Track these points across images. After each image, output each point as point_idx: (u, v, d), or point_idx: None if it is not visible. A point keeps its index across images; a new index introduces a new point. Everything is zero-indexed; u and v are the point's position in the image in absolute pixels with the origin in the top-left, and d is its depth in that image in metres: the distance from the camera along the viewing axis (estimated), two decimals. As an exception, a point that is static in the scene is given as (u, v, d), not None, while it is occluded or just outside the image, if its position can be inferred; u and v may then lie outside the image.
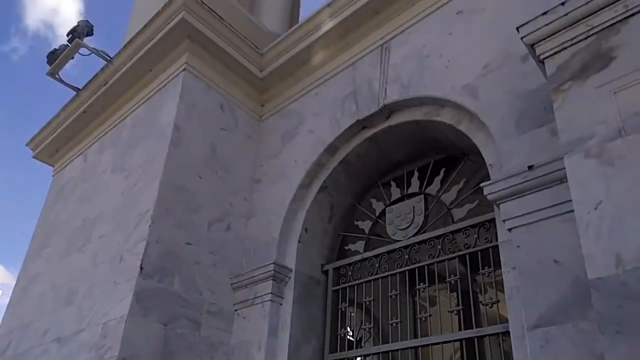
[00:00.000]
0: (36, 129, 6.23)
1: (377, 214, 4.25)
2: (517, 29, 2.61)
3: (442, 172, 3.90)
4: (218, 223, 4.38)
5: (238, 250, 4.43)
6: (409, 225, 3.86)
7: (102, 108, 5.46)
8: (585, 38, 2.34)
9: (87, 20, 5.34)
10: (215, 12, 4.77)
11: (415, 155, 4.16)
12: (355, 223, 4.41)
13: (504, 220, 2.80)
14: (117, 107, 5.35)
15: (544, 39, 2.51)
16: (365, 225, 4.31)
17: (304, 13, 6.78)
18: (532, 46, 2.57)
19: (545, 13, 2.49)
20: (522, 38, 2.59)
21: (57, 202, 5.72)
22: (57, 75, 5.47)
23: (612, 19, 2.23)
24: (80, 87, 5.55)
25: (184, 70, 4.66)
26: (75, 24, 5.36)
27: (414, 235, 3.79)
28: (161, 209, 3.97)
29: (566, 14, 2.40)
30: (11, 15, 29.96)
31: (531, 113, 2.96)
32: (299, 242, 4.23)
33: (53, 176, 6.22)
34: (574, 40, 2.38)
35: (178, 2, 4.58)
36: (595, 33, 2.29)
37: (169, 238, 3.94)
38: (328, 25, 4.50)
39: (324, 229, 4.45)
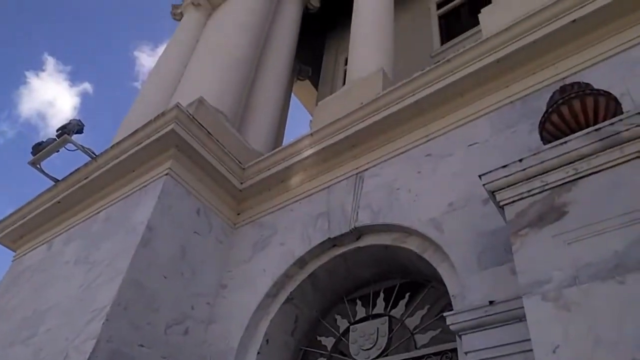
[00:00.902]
0: (5, 213, 6.07)
1: (341, 331, 4.20)
2: (480, 176, 2.86)
3: (407, 296, 3.97)
4: (176, 326, 4.18)
5: (193, 357, 4.19)
6: (372, 347, 3.81)
7: (78, 201, 5.39)
8: (541, 192, 2.58)
9: (79, 120, 5.50)
10: (203, 127, 4.99)
11: (382, 276, 4.23)
12: (318, 339, 4.31)
13: (465, 353, 2.83)
14: (93, 201, 5.30)
15: (504, 188, 2.75)
16: (328, 342, 4.21)
17: (288, 136, 7.17)
18: (492, 193, 2.80)
19: (505, 166, 2.76)
20: (484, 185, 2.83)
21: (10, 289, 5.38)
22: (38, 165, 5.46)
23: (564, 178, 2.50)
24: (60, 179, 5.52)
25: (166, 174, 4.74)
26: (67, 121, 5.49)
27: (377, 357, 3.73)
28: (119, 307, 3.79)
29: (523, 170, 2.67)
30: (7, 101, 30.12)
31: (492, 251, 3.13)
32: (258, 353, 4.07)
33: (13, 261, 5.91)
34: (531, 193, 2.62)
35: (170, 114, 4.78)
36: (550, 188, 2.55)
37: (122, 338, 3.71)
38: (308, 151, 4.79)
39: (285, 341, 4.31)
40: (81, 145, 5.37)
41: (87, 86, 31.93)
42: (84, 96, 31.64)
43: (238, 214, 5.28)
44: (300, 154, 4.86)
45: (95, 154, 5.33)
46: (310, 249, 4.31)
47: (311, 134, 4.82)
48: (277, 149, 5.18)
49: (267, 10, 8.02)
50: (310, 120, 5.71)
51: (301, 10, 9.04)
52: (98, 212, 5.15)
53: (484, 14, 4.83)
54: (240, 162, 5.22)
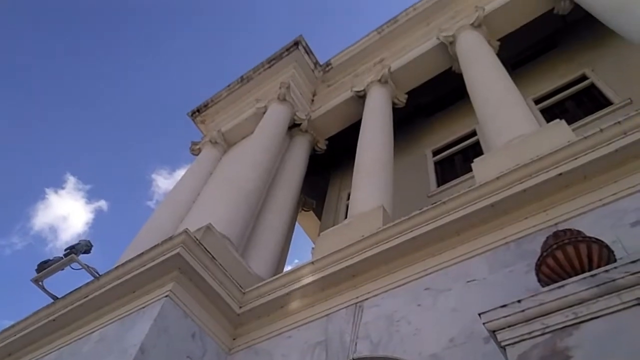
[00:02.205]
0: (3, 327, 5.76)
1: None
2: (480, 314, 2.77)
3: None
4: None
5: None
6: None
7: (74, 319, 5.17)
8: (542, 334, 2.48)
9: (88, 240, 5.56)
10: (208, 251, 4.99)
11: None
12: None
13: None
14: (89, 320, 5.07)
15: (504, 328, 2.64)
16: None
17: (290, 261, 7.14)
18: (493, 332, 2.68)
19: (504, 306, 2.69)
20: (484, 323, 2.73)
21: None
22: (40, 283, 5.35)
23: (564, 322, 2.41)
24: (59, 296, 5.36)
25: (166, 296, 4.62)
26: (77, 241, 5.54)
27: None
28: None
29: (522, 311, 2.59)
30: (21, 214, 30.54)
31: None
32: None
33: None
34: (532, 335, 2.51)
35: (178, 239, 4.81)
36: (551, 332, 2.45)
37: None
38: (309, 279, 4.72)
39: None
40: (86, 265, 5.33)
41: (102, 203, 32.58)
42: (98, 213, 32.10)
43: (234, 339, 5.01)
44: (300, 281, 4.78)
45: (98, 274, 5.25)
46: (306, 381, 4.00)
47: (312, 262, 4.79)
48: (278, 275, 5.10)
49: (279, 150, 8.54)
50: (312, 248, 5.71)
51: (309, 151, 9.62)
52: (92, 332, 4.91)
53: (477, 163, 5.11)
54: (240, 287, 5.10)
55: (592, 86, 7.54)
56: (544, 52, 9.11)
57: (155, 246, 4.96)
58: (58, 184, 35.59)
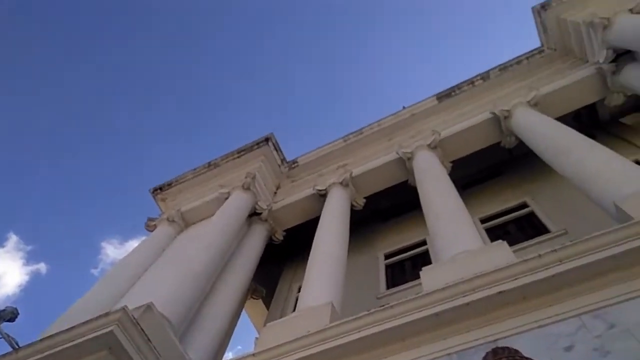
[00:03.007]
0: None
1: None
2: None
3: None
4: None
5: None
6: None
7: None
8: None
9: (15, 308, 5.16)
10: (144, 332, 4.64)
11: None
12: None
13: None
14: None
15: None
16: None
17: (232, 347, 6.70)
18: None
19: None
20: None
21: None
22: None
23: None
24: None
25: (88, 379, 4.17)
26: (3, 308, 5.10)
27: None
28: None
29: None
30: None
31: None
32: None
33: None
34: None
35: (114, 315, 4.49)
36: None
37: None
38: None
39: None
40: (6, 334, 4.85)
41: (41, 266, 30.18)
42: (35, 276, 29.58)
43: None
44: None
45: (18, 346, 4.74)
46: None
47: (253, 354, 4.53)
48: (215, 367, 4.74)
49: (236, 235, 8.43)
50: (256, 339, 5.41)
51: (266, 240, 9.54)
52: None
53: (425, 271, 5.19)
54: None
55: (532, 214, 8.06)
56: (491, 178, 9.82)
57: (88, 321, 4.58)
58: (-2, 242, 33.09)
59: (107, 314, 4.56)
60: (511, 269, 4.15)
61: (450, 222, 6.19)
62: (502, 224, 8.20)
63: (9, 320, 5.05)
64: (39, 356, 4.48)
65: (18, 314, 5.22)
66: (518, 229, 7.94)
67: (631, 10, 7.81)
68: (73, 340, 4.47)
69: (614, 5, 8.11)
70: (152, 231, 10.04)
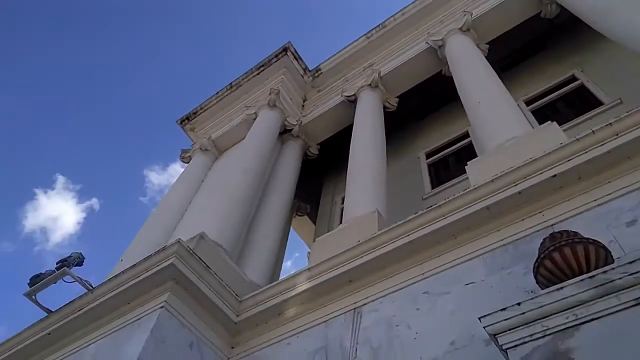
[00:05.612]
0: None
1: None
2: (479, 318, 2.79)
3: None
4: None
5: None
6: None
7: (69, 333, 5.10)
8: (543, 337, 2.50)
9: (80, 253, 5.52)
10: (202, 261, 4.96)
11: None
12: None
13: None
14: (84, 333, 5.01)
15: (505, 331, 2.67)
16: None
17: (286, 266, 7.14)
18: (494, 335, 2.71)
19: (504, 309, 2.72)
20: (484, 327, 2.75)
21: None
22: (33, 297, 5.29)
23: (564, 324, 2.44)
24: (53, 310, 5.30)
25: (161, 307, 4.57)
26: (69, 254, 5.49)
27: None
28: None
29: (523, 313, 2.62)
30: (12, 217, 29.97)
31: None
32: None
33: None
34: (533, 337, 2.54)
35: (171, 249, 4.76)
36: (551, 333, 2.47)
37: None
38: (305, 285, 4.71)
39: None
40: (79, 278, 5.28)
41: (94, 202, 32.17)
42: (89, 212, 31.69)
43: (232, 348, 4.97)
44: (297, 287, 4.76)
45: (92, 287, 5.20)
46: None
47: (309, 269, 4.78)
48: (274, 282, 5.08)
49: (270, 156, 8.52)
50: (308, 254, 5.71)
51: (301, 157, 9.62)
52: (88, 345, 4.85)
53: (471, 165, 5.15)
54: (237, 295, 5.08)
55: (582, 87, 7.65)
56: (533, 55, 9.24)
57: (148, 257, 4.92)
58: (47, 185, 35.13)
59: (164, 249, 4.87)
60: (563, 150, 4.04)
61: (492, 108, 5.98)
62: (550, 102, 7.86)
63: (76, 265, 5.48)
64: (112, 293, 4.91)
65: (84, 258, 5.64)
66: (567, 105, 7.60)
67: None
68: (139, 276, 4.84)
69: None
70: (187, 162, 10.34)
